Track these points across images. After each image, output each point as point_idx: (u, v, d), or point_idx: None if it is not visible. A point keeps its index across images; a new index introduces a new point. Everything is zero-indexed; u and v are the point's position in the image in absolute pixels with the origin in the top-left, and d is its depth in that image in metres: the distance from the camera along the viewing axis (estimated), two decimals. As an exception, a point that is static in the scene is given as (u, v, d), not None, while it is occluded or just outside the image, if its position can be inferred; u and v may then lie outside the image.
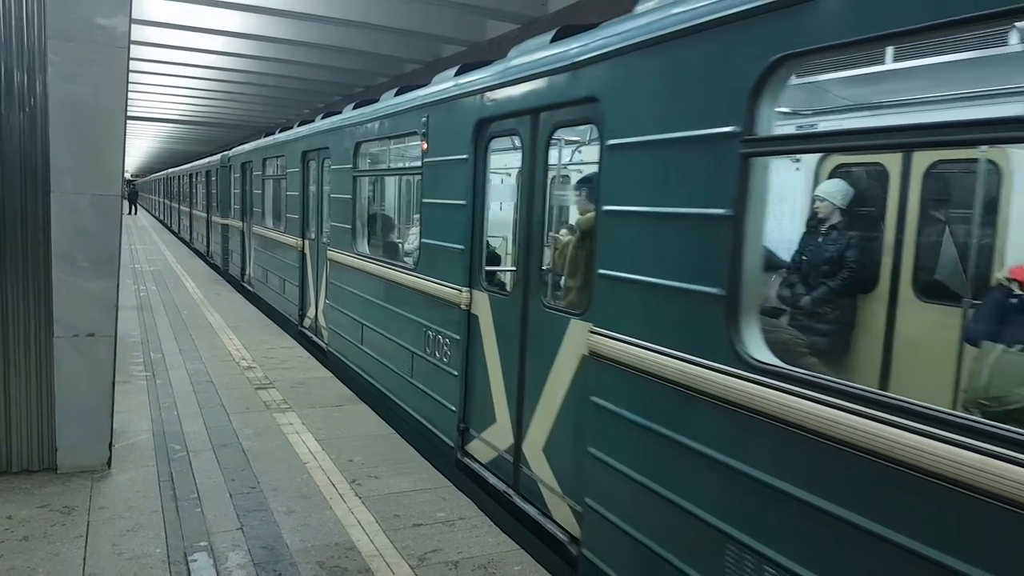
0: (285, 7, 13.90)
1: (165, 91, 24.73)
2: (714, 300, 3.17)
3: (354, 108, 9.07)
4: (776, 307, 4.02)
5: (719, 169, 3.16)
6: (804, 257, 5.12)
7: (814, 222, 5.23)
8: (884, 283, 5.20)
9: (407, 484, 5.32)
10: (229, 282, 16.20)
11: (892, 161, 5.33)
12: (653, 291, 3.57)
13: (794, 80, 3.48)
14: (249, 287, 14.73)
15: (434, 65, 17.07)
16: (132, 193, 49.45)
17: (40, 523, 4.44)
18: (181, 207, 29.58)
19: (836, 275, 5.06)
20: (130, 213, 46.33)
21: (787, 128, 4.66)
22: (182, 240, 28.76)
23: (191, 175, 25.06)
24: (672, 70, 3.50)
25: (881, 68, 4.90)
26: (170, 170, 39.37)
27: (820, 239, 5.15)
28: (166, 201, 39.85)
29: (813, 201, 5.17)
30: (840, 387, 2.64)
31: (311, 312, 10.30)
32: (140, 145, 50.53)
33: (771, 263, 3.71)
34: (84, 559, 4.07)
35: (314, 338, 10.00)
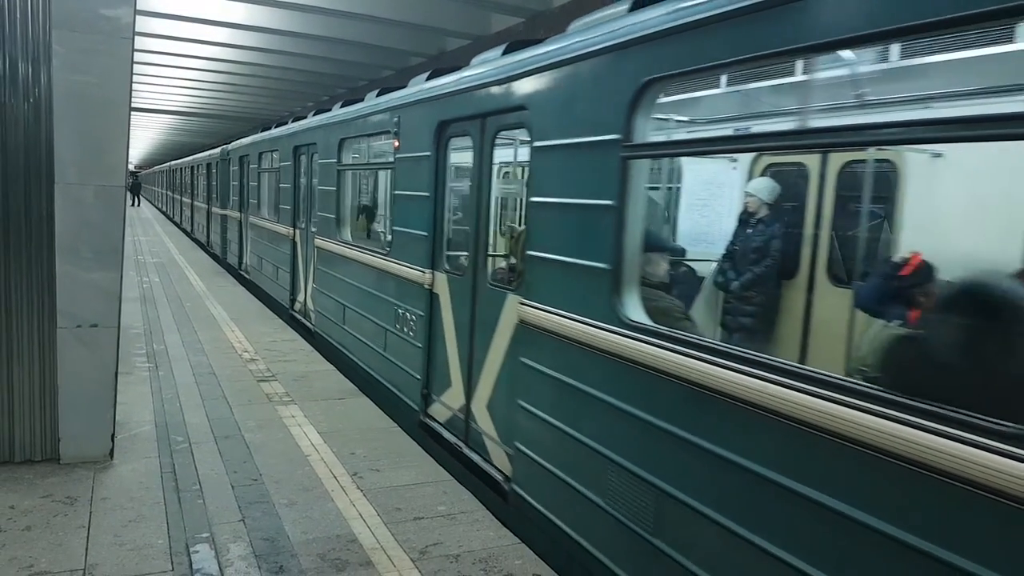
0: (290, -1, 13.90)
1: (169, 83, 24.73)
2: (603, 273, 3.95)
3: (341, 107, 9.77)
4: (663, 281, 4.71)
5: (607, 168, 3.92)
6: (736, 246, 5.72)
7: (745, 215, 5.80)
8: (804, 269, 6.05)
9: (408, 477, 5.33)
10: (232, 274, 16.53)
11: (813, 161, 6.05)
12: (563, 267, 4.34)
13: (663, 98, 4.34)
14: (246, 275, 15.29)
15: (439, 58, 17.05)
16: (135, 185, 49.48)
17: (42, 513, 4.45)
18: (183, 198, 30.15)
19: (761, 262, 5.79)
20: (133, 205, 46.38)
21: (660, 136, 5.46)
22: (183, 231, 29.15)
23: (192, 167, 25.64)
24: (576, 86, 4.28)
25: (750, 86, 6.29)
26: (172, 162, 40.26)
27: (749, 230, 5.72)
28: (168, 192, 40.65)
29: (744, 196, 5.77)
30: (694, 341, 3.37)
31: (301, 297, 10.96)
32: (144, 136, 50.55)
33: (652, 245, 4.39)
34: (86, 549, 4.08)
35: (303, 320, 10.57)
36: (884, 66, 5.35)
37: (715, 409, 3.18)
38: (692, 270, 6.34)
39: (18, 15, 4.71)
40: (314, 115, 10.92)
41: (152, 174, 60.56)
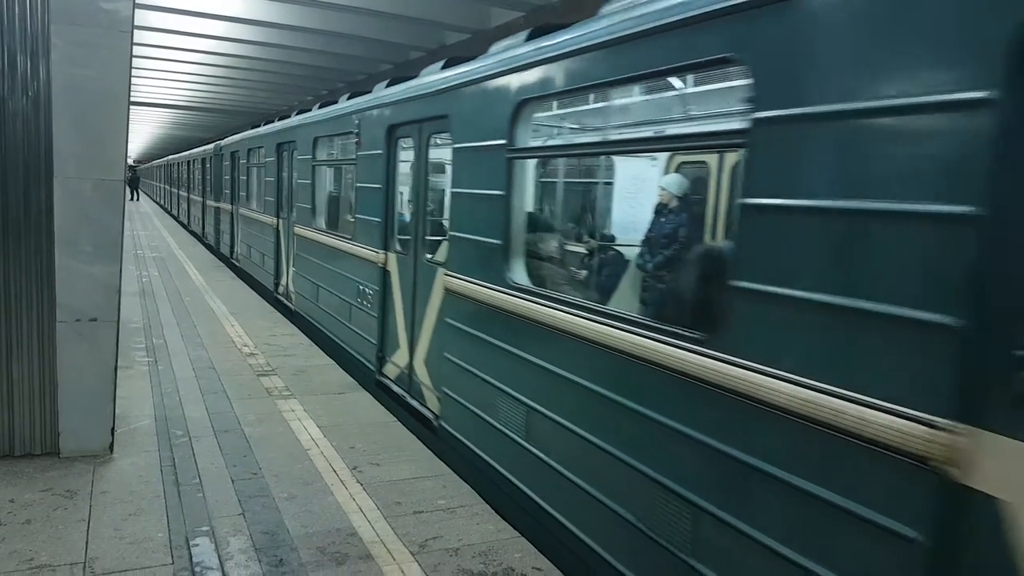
0: (289, -7, 13.86)
1: (168, 76, 24.67)
2: (497, 247, 5.09)
3: (319, 107, 10.79)
4: (550, 255, 6.17)
5: (499, 166, 5.05)
6: (652, 233, 6.52)
7: (659, 206, 6.52)
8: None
9: (408, 471, 5.34)
10: (225, 263, 16.88)
11: (713, 160, 7.26)
12: (473, 244, 5.46)
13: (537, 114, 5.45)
14: (236, 263, 16.37)
15: (437, 52, 17.01)
16: (133, 179, 49.38)
17: (42, 507, 4.46)
18: (180, 192, 30.77)
19: (671, 246, 6.44)
20: (132, 199, 46.31)
21: (537, 142, 6.46)
22: (181, 223, 29.60)
23: (188, 162, 26.43)
24: (480, 101, 5.42)
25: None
26: (169, 157, 41.10)
27: (663, 219, 6.46)
28: (165, 186, 41.57)
29: (659, 190, 6.61)
30: (555, 297, 4.53)
31: (284, 280, 12.00)
32: (143, 131, 50.45)
33: (535, 225, 5.73)
34: (86, 543, 4.09)
35: (285, 302, 11.65)
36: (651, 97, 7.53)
37: (562, 345, 4.37)
38: (620, 253, 7.32)
39: (16, 8, 4.70)
40: (296, 115, 11.84)
41: (150, 168, 60.92)
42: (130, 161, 71.85)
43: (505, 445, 4.99)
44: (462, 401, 5.65)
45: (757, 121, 3.01)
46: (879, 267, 2.55)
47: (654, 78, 4.78)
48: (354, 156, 8.32)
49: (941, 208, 2.36)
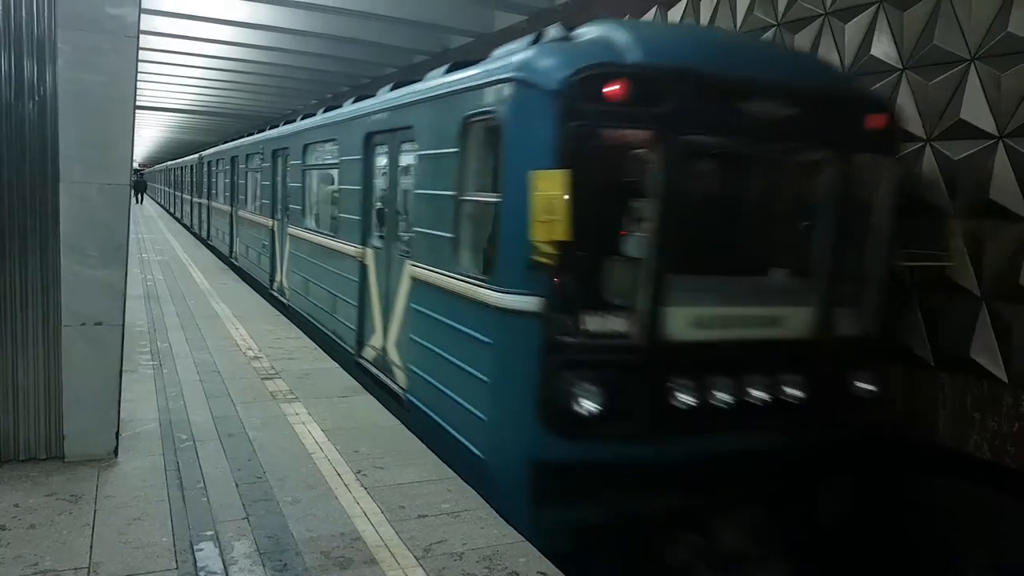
0: (293, -3, 13.89)
1: (174, 81, 24.74)
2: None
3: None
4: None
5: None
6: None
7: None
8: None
9: (413, 475, 5.33)
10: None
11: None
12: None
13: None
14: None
15: (441, 56, 17.04)
16: (139, 183, 49.44)
17: (47, 511, 4.46)
18: (183, 195, 31.85)
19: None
20: (138, 203, 46.43)
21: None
22: (184, 225, 30.67)
23: (192, 166, 27.36)
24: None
25: None
26: (170, 163, 43.35)
27: None
28: (167, 189, 43.32)
29: None
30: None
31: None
32: (149, 134, 50.61)
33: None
34: (90, 547, 4.09)
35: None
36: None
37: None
38: None
39: (23, 14, 4.72)
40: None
41: (154, 172, 62.39)
42: (136, 164, 71.90)
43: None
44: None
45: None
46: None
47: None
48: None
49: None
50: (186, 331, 9.77)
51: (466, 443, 5.56)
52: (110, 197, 4.97)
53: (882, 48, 7.26)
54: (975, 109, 6.51)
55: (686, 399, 5.09)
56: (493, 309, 5.17)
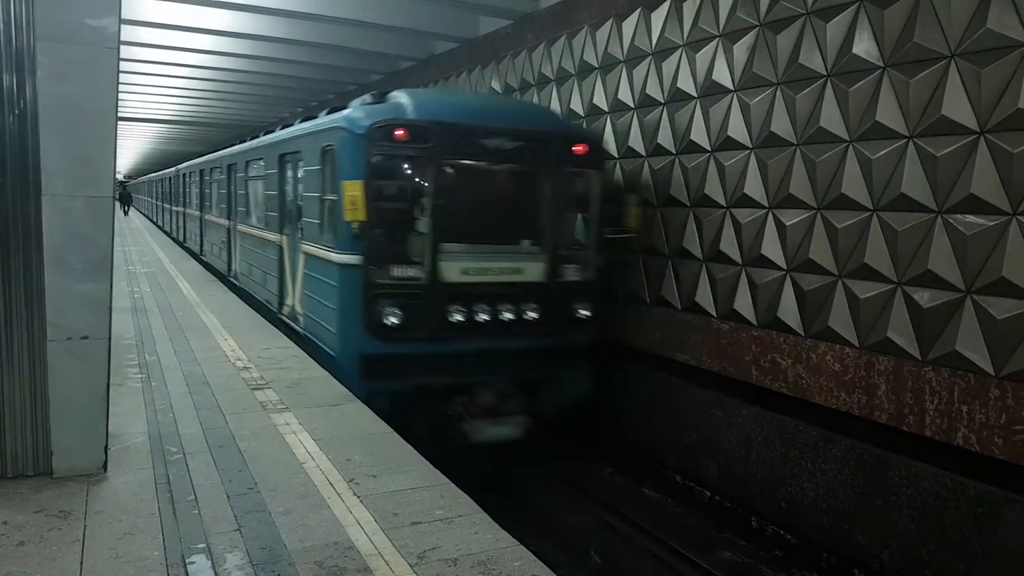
0: (277, 6, 13.84)
1: (158, 91, 24.61)
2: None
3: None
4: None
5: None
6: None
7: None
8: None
9: (405, 482, 5.31)
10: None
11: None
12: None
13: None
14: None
15: (427, 62, 17.04)
16: (124, 195, 49.14)
17: (36, 528, 4.42)
18: (164, 204, 36.19)
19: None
20: (124, 215, 46.18)
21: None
22: (165, 232, 33.92)
23: (170, 178, 31.95)
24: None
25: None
26: (152, 175, 49.00)
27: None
28: (150, 199, 48.98)
29: None
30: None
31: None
32: (133, 146, 50.26)
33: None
34: (81, 563, 4.05)
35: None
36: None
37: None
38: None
39: (1, 27, 4.68)
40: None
41: (138, 184, 64.46)
42: (121, 176, 71.51)
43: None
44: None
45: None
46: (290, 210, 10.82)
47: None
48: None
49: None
50: (174, 343, 9.71)
51: (326, 348, 9.08)
52: (94, 210, 4.93)
53: (863, 46, 7.31)
54: (956, 105, 6.56)
55: (457, 316, 8.59)
56: (337, 264, 8.64)
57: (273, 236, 11.84)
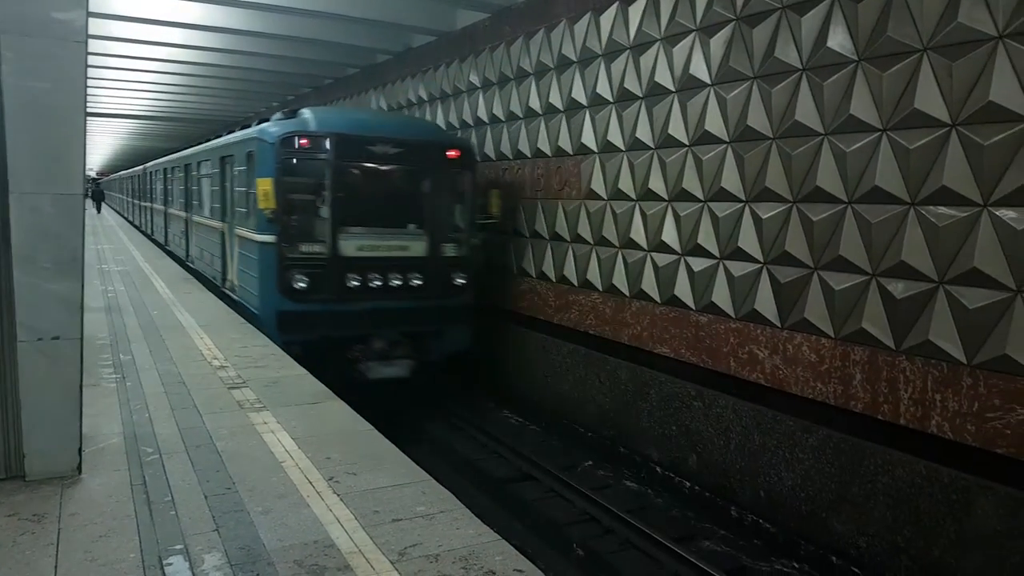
0: (250, -1, 13.70)
1: (130, 86, 24.26)
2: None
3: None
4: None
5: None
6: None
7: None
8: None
9: (386, 480, 5.28)
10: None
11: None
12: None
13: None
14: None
15: (404, 55, 16.94)
16: (96, 192, 48.42)
17: (8, 532, 4.35)
18: (132, 200, 40.27)
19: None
20: (97, 212, 45.51)
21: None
22: (134, 226, 36.81)
23: (138, 176, 35.35)
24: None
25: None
26: (122, 172, 53.85)
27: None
28: (121, 196, 52.14)
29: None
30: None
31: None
32: (106, 142, 49.52)
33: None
34: (56, 567, 3.99)
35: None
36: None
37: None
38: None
39: (-35, 21, 4.58)
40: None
41: (110, 181, 65.71)
42: (94, 173, 70.48)
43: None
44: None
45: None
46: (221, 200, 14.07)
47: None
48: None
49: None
50: (149, 342, 9.59)
51: (252, 309, 11.38)
52: (63, 208, 4.85)
53: (838, 40, 7.36)
54: (929, 99, 6.63)
55: (353, 282, 10.80)
56: (258, 243, 10.94)
57: (217, 224, 14.33)
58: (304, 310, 10.59)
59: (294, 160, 10.67)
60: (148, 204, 29.86)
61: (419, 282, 11.27)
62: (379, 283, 10.95)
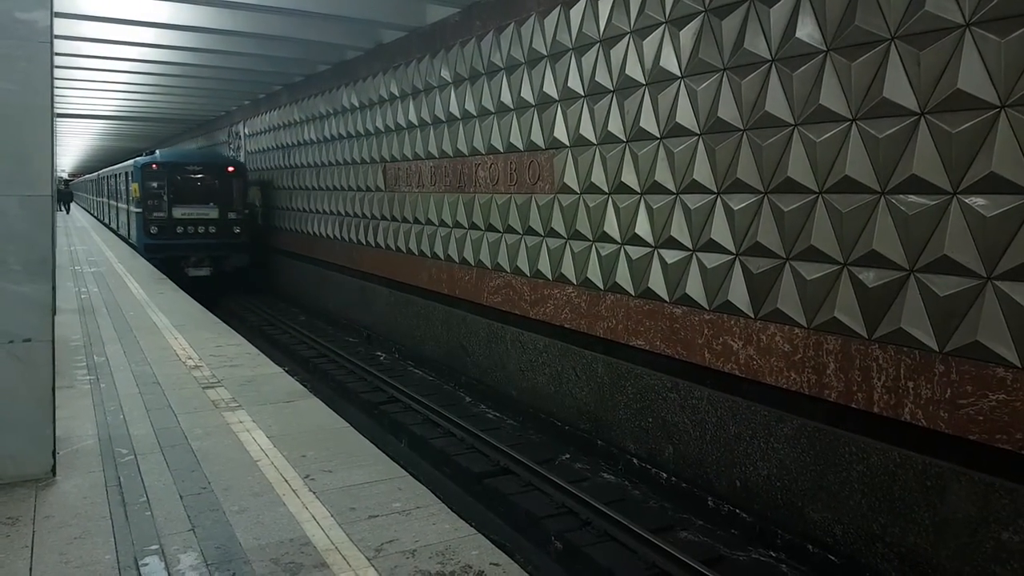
0: (219, -4, 13.55)
1: (100, 87, 23.95)
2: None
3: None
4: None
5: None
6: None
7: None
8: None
9: (362, 476, 5.29)
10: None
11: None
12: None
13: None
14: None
15: (375, 52, 16.87)
16: (64, 193, 47.74)
17: (-19, 536, 4.31)
18: (93, 197, 49.48)
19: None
20: (65, 212, 44.92)
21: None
22: (95, 217, 45.56)
23: (95, 180, 46.43)
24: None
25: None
26: (86, 176, 63.30)
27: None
28: (86, 195, 60.20)
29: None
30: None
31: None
32: (77, 143, 48.83)
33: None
34: (30, 570, 3.97)
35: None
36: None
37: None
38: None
39: (-74, 21, 4.52)
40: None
41: (78, 183, 70.80)
42: (65, 175, 69.45)
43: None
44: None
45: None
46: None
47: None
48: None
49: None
50: (124, 343, 9.51)
51: (134, 244, 23.83)
52: (31, 209, 4.80)
53: (807, 30, 7.43)
54: (897, 87, 6.71)
55: (179, 230, 22.50)
56: (135, 212, 23.18)
57: (124, 206, 26.98)
58: (157, 243, 21.99)
59: (150, 176, 22.52)
60: (103, 200, 43.35)
61: (213, 230, 22.70)
62: (192, 230, 22.42)
